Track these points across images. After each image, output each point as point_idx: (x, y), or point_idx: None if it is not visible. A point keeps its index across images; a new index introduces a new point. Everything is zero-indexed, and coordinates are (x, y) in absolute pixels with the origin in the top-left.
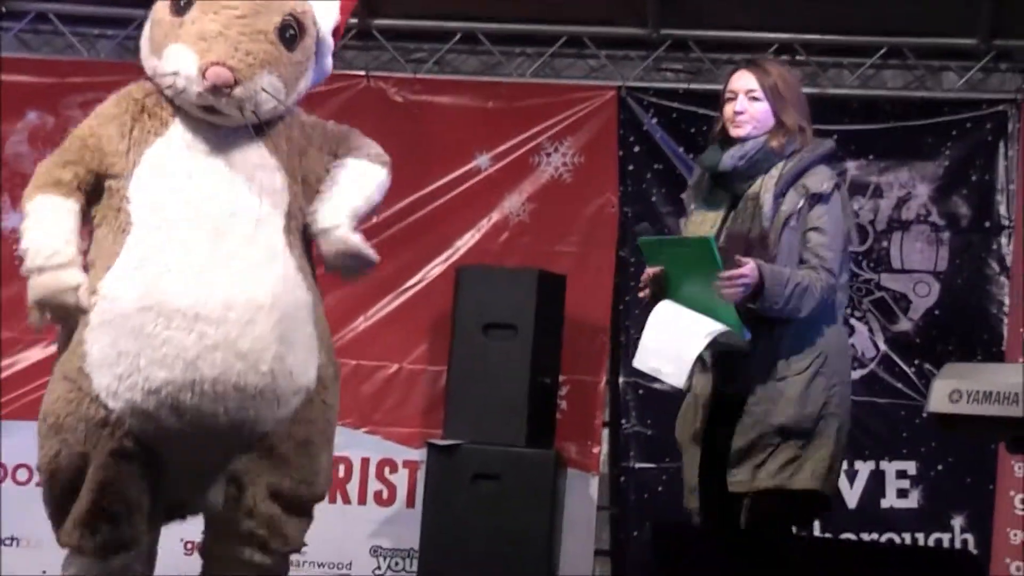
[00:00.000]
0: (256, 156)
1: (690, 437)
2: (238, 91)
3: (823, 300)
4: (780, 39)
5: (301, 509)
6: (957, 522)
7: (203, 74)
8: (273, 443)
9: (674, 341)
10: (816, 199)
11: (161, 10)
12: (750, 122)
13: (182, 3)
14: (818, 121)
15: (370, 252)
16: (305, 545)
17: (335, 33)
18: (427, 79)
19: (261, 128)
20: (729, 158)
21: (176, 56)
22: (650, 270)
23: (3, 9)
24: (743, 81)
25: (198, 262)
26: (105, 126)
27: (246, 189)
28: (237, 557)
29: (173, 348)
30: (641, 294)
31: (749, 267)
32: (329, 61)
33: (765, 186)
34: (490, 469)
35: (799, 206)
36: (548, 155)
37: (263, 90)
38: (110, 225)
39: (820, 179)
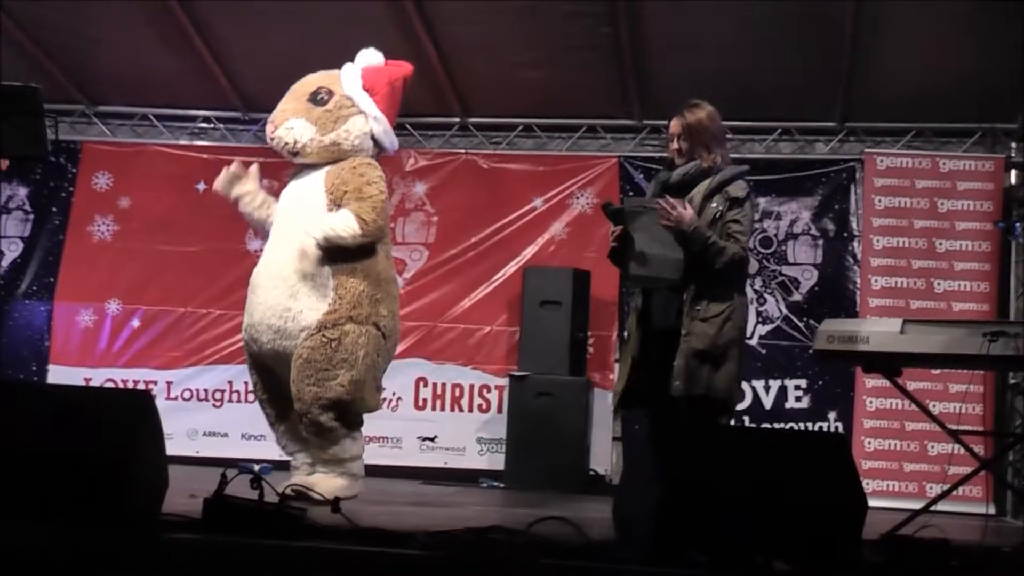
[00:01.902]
0: (311, 182)
1: (627, 359)
2: (274, 132)
3: (734, 263)
4: None
5: (334, 380)
6: (832, 416)
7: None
8: (291, 359)
9: (659, 255)
10: (734, 202)
11: None
12: (680, 153)
13: None
14: None
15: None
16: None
17: (376, 91)
18: (503, 154)
19: (322, 165)
20: (676, 174)
21: None
22: (615, 229)
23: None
24: (672, 127)
25: (267, 249)
26: None
27: (298, 203)
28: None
29: (249, 304)
30: (612, 244)
31: (688, 209)
32: (373, 107)
33: (698, 192)
34: (546, 389)
35: (722, 207)
36: (577, 198)
37: (288, 129)
38: None
39: (737, 188)
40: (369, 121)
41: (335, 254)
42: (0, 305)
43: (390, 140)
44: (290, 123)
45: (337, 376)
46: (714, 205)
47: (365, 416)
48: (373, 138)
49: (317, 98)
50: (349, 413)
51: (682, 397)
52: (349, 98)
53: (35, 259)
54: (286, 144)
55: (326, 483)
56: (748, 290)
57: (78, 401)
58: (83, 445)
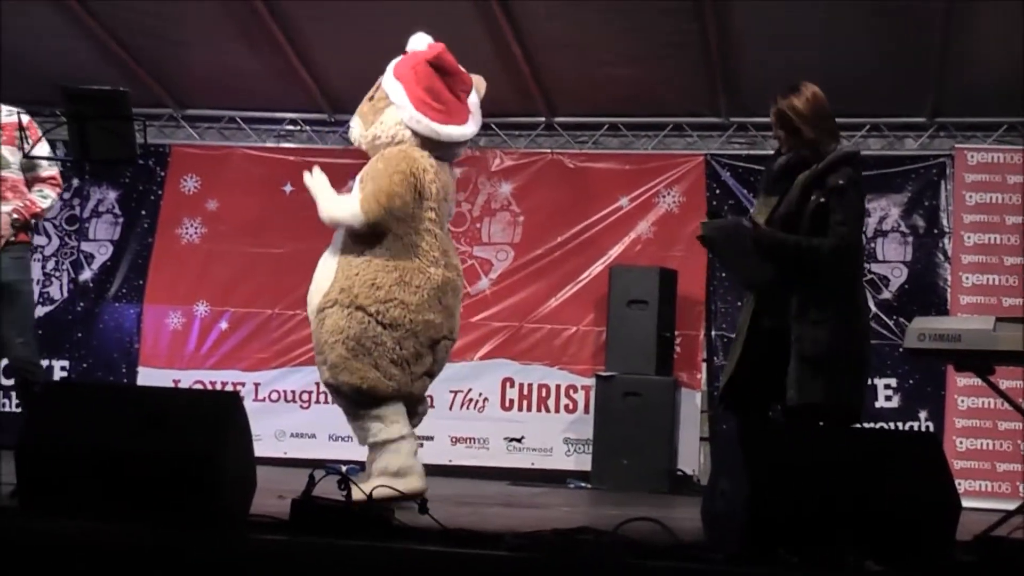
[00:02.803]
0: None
1: (734, 356)
2: None
3: (834, 258)
4: None
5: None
6: (923, 415)
7: None
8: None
9: (748, 266)
10: (833, 191)
11: None
12: (779, 142)
13: None
14: None
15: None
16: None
17: (403, 78)
18: (588, 153)
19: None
20: (778, 164)
21: None
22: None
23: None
24: (771, 115)
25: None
26: None
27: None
28: None
29: None
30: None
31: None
32: (400, 95)
33: (798, 182)
34: (633, 389)
35: (821, 197)
36: (663, 197)
37: (351, 128)
38: None
39: (838, 176)
40: (399, 111)
41: (350, 239)
42: (90, 308)
43: (424, 126)
44: (352, 121)
45: (323, 358)
46: (814, 197)
47: (454, 417)
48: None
49: (370, 94)
50: (342, 396)
51: (797, 406)
52: (385, 90)
53: (124, 262)
54: (353, 143)
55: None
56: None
57: (168, 403)
58: (173, 447)
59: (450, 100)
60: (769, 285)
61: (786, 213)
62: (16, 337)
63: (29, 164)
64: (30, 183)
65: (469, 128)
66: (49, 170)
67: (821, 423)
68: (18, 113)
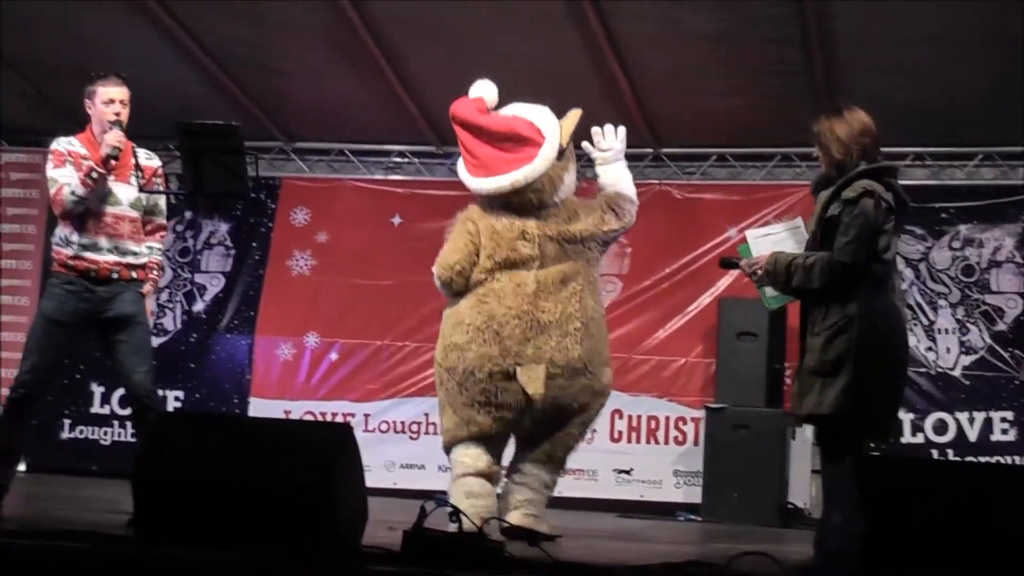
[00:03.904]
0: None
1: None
2: None
3: (825, 273)
4: (913, 151)
5: None
6: None
7: None
8: None
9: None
10: (845, 204)
11: None
12: (819, 160)
13: None
14: (937, 201)
15: None
16: None
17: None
18: (696, 184)
19: None
20: (812, 181)
21: None
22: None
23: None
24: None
25: None
26: None
27: None
28: None
29: None
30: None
31: (759, 259)
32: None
33: (820, 199)
34: (743, 421)
35: (837, 210)
36: None
37: None
38: None
39: (851, 189)
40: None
41: None
42: (203, 339)
43: (462, 178)
44: None
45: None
46: (830, 210)
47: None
48: None
49: None
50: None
51: (804, 416)
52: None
53: (236, 294)
54: None
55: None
56: (895, 300)
57: (279, 433)
58: (285, 477)
59: (484, 153)
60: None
61: (812, 231)
62: (136, 367)
63: (151, 207)
64: (144, 224)
65: (493, 181)
66: (163, 219)
67: (846, 434)
68: (157, 157)
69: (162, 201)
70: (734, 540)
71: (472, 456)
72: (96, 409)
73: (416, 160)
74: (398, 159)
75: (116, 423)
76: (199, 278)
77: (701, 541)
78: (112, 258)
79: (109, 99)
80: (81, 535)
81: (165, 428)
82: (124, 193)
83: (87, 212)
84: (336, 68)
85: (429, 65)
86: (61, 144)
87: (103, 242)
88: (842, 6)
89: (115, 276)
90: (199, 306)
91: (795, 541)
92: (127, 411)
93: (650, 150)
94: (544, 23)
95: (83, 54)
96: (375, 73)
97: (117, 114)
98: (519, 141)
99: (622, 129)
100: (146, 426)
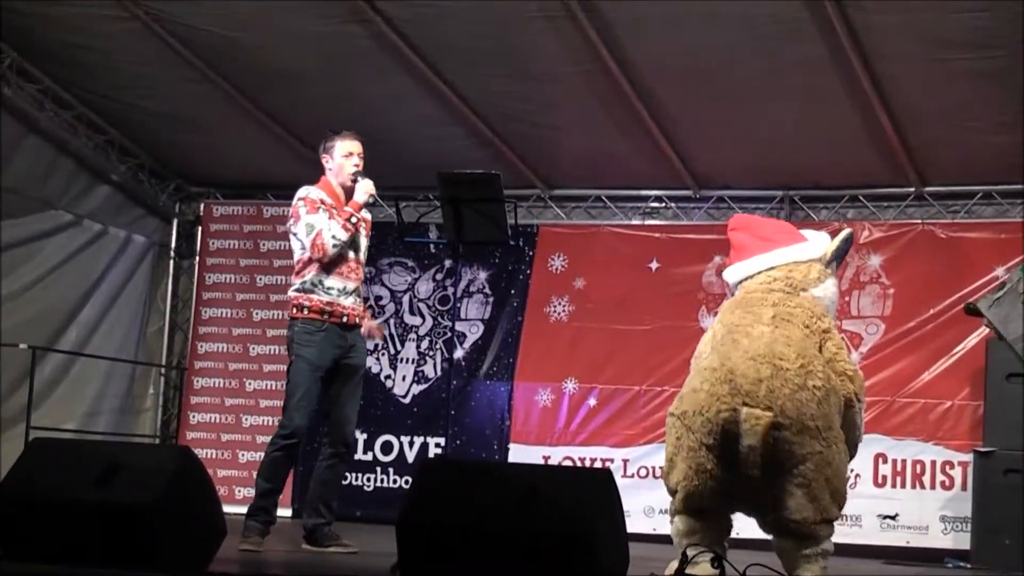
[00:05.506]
0: None
1: None
2: None
3: None
4: None
5: None
6: None
7: None
8: None
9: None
10: None
11: None
12: None
13: None
14: None
15: None
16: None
17: None
18: (961, 223)
19: None
20: None
21: None
22: None
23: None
24: None
25: None
26: None
27: None
28: None
29: None
30: None
31: None
32: None
33: None
34: (1014, 466)
35: None
36: None
37: None
38: None
39: None
40: None
41: None
42: (463, 386)
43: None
44: None
45: None
46: None
47: None
48: None
49: None
50: None
51: None
52: None
53: (495, 340)
54: None
55: None
56: None
57: (542, 480)
58: (548, 524)
59: (741, 244)
60: None
61: None
62: (351, 420)
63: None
64: None
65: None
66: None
67: None
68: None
69: None
70: None
71: (689, 521)
72: (359, 456)
73: (673, 204)
74: (655, 204)
75: (379, 469)
76: (459, 326)
77: None
78: (354, 304)
79: (348, 152)
80: None
81: (430, 475)
82: (362, 241)
83: (340, 258)
84: (595, 116)
85: (687, 111)
86: (312, 192)
87: (350, 287)
88: None
89: (357, 322)
90: (459, 353)
91: None
92: (390, 457)
93: (912, 189)
94: (806, 67)
95: (351, 114)
96: (634, 119)
97: (356, 166)
98: (755, 235)
99: None
100: (416, 475)
